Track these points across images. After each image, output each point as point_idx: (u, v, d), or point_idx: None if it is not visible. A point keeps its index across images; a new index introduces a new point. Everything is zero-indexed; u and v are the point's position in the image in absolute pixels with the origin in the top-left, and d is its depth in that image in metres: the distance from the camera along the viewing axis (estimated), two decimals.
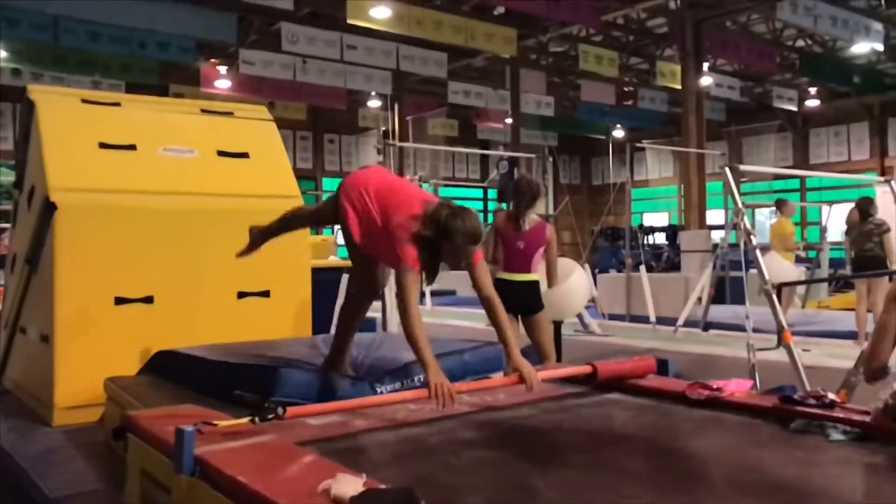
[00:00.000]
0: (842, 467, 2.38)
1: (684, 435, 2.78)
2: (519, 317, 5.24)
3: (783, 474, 2.26)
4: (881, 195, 8.75)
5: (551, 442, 2.74)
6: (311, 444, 2.48)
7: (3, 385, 5.14)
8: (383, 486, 1.80)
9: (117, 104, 5.36)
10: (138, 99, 5.90)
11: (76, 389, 4.22)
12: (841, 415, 2.69)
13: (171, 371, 3.89)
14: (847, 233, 8.21)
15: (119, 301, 4.48)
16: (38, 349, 4.57)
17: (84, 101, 5.27)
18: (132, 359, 4.15)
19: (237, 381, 3.38)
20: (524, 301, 5.16)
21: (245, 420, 2.49)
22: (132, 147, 4.93)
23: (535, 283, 5.22)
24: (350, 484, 1.80)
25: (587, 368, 3.44)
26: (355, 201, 3.30)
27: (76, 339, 4.33)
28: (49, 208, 4.37)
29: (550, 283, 5.39)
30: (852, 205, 8.22)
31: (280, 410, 2.53)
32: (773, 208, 9.38)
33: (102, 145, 4.83)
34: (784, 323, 5.56)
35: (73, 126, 4.93)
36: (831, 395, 2.82)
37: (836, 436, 2.58)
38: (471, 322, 9.39)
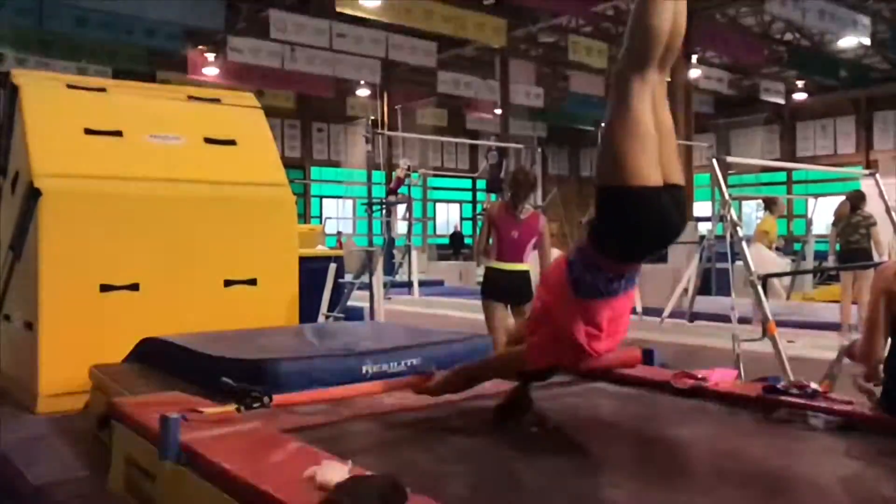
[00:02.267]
0: (823, 456, 2.40)
1: (669, 424, 2.80)
2: (509, 306, 5.25)
3: (766, 462, 2.29)
4: (866, 188, 8.81)
5: (537, 430, 2.75)
6: (297, 432, 2.48)
7: None
8: (368, 473, 1.80)
9: (103, 90, 5.32)
10: (124, 85, 5.86)
11: (61, 377, 4.19)
12: (823, 404, 2.71)
13: (157, 359, 3.87)
14: (834, 224, 8.27)
15: (104, 288, 4.46)
16: (23, 337, 4.54)
17: (69, 86, 5.22)
18: (118, 346, 4.13)
19: (223, 370, 3.37)
20: (516, 290, 5.18)
21: (231, 408, 2.49)
22: (118, 133, 4.89)
23: (527, 273, 5.24)
24: (335, 471, 1.80)
25: None
26: None
27: (61, 326, 4.30)
28: (33, 194, 4.33)
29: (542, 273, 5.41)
30: (838, 197, 8.29)
31: (266, 399, 2.53)
32: (761, 202, 9.42)
33: (88, 131, 4.79)
34: (769, 314, 5.60)
35: (58, 111, 4.89)
36: (814, 385, 2.85)
37: (818, 424, 2.61)
38: (458, 312, 9.40)
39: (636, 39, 2.28)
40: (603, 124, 2.48)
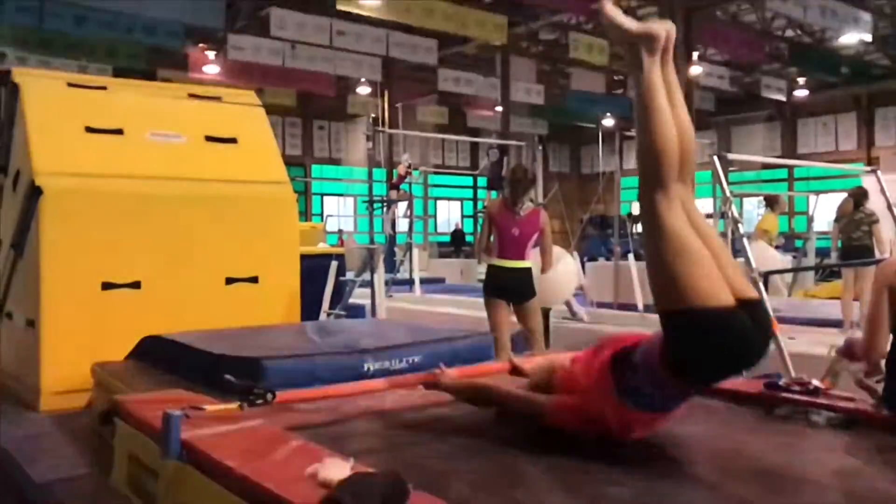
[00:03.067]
0: (825, 452, 2.40)
1: (670, 421, 2.79)
2: (510, 304, 5.26)
3: (767, 459, 2.29)
4: (867, 185, 8.80)
5: (538, 428, 2.75)
6: (300, 430, 2.48)
7: None
8: (370, 471, 1.80)
9: (104, 88, 5.32)
10: (125, 82, 5.87)
11: (63, 374, 4.20)
12: (825, 401, 2.71)
13: (159, 356, 3.88)
14: (836, 220, 8.27)
15: (106, 286, 4.46)
16: (25, 334, 4.55)
17: (70, 84, 5.22)
18: (120, 344, 4.13)
19: (225, 367, 3.37)
20: (518, 288, 5.19)
21: (233, 405, 2.49)
22: (119, 131, 4.90)
23: (529, 270, 5.24)
24: (338, 468, 1.81)
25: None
26: None
27: (63, 324, 4.31)
28: (35, 193, 4.34)
29: (544, 270, 5.42)
30: (839, 194, 8.29)
31: (269, 396, 2.53)
32: (762, 199, 9.43)
33: (89, 129, 4.80)
34: (770, 311, 5.60)
35: (59, 110, 4.89)
36: (816, 382, 2.85)
37: (819, 422, 2.61)
38: (459, 309, 9.40)
39: (647, 165, 2.19)
40: (644, 254, 2.33)
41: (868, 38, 15.65)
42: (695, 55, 16.39)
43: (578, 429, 2.40)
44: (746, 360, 2.27)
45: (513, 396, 2.67)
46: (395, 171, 14.01)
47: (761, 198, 9.95)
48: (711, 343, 2.12)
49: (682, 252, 2.12)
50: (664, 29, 2.21)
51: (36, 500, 3.10)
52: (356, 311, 7.30)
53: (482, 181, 17.49)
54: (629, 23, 2.20)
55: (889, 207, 7.36)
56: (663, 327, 2.19)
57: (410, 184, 14.60)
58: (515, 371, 3.09)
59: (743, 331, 2.12)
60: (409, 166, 13.66)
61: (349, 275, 7.66)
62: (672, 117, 2.20)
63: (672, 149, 2.17)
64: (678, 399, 2.33)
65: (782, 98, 21.55)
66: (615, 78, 20.93)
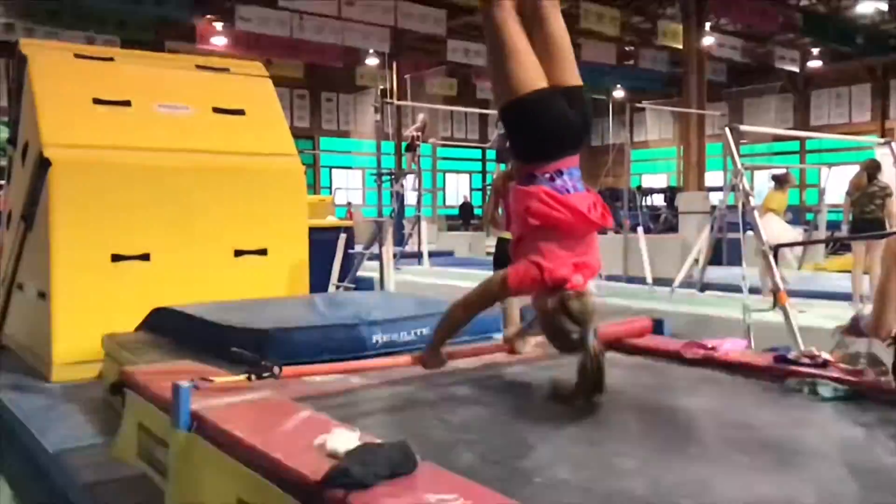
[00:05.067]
0: (833, 425, 2.40)
1: (678, 393, 2.80)
2: None
3: (775, 432, 2.29)
4: (881, 157, 8.72)
5: (546, 399, 2.76)
6: (308, 401, 2.49)
7: (2, 341, 5.16)
8: (378, 441, 1.81)
9: (111, 59, 5.29)
10: (132, 54, 5.83)
11: (74, 346, 4.24)
12: (834, 374, 2.70)
13: (169, 328, 3.90)
14: (849, 193, 8.19)
15: (116, 258, 4.48)
16: (36, 306, 4.58)
17: (77, 55, 5.20)
18: (130, 315, 4.16)
19: (234, 339, 3.39)
20: None
21: (242, 377, 2.51)
22: (127, 103, 4.88)
23: None
24: (345, 439, 1.82)
25: None
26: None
27: (73, 295, 4.34)
28: (43, 164, 4.34)
29: None
30: (852, 167, 8.20)
31: (276, 370, 2.54)
32: (771, 178, 9.26)
33: (96, 101, 4.78)
34: (780, 284, 5.58)
35: (67, 81, 4.88)
36: (825, 355, 2.84)
37: (827, 394, 2.60)
38: (468, 282, 9.39)
39: None
40: (487, 63, 2.93)
41: (884, 7, 15.40)
42: (707, 25, 16.16)
43: (533, 284, 2.60)
44: (569, 136, 2.68)
45: (475, 293, 2.75)
46: (405, 132, 13.95)
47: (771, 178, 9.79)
48: (533, 123, 2.63)
49: (510, 56, 2.64)
50: None
51: (49, 468, 3.15)
52: (364, 284, 7.32)
53: (491, 154, 17.40)
54: None
55: None
56: (504, 125, 2.74)
57: (419, 157, 14.51)
58: (514, 352, 3.11)
59: (558, 109, 2.63)
60: (423, 125, 13.50)
61: (357, 248, 7.66)
62: None
63: None
64: (558, 177, 2.64)
65: (795, 69, 21.28)
66: (626, 49, 20.69)
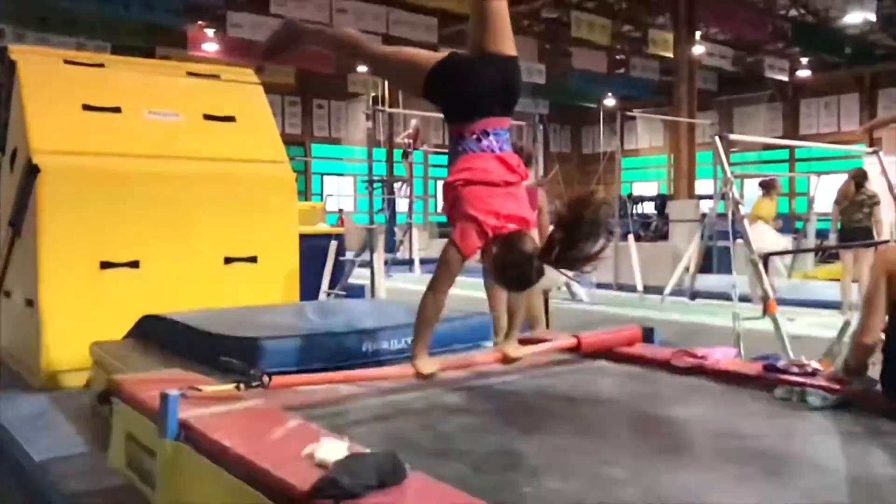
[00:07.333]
0: (822, 434, 2.40)
1: (668, 402, 2.80)
2: None
3: (765, 441, 2.29)
4: (868, 166, 8.77)
5: (537, 408, 2.76)
6: (297, 410, 2.48)
7: None
8: (367, 451, 1.80)
9: (101, 65, 5.28)
10: (123, 60, 5.83)
11: (62, 354, 4.21)
12: (823, 383, 2.71)
13: (158, 336, 3.88)
14: (837, 202, 8.24)
15: (104, 265, 4.46)
16: (24, 313, 4.55)
17: (67, 61, 5.18)
18: (118, 323, 4.13)
19: (223, 347, 3.37)
20: None
21: (231, 386, 2.49)
22: (117, 110, 4.87)
23: None
24: (334, 448, 1.80)
25: (571, 341, 3.44)
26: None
27: (62, 303, 4.31)
28: (32, 171, 4.32)
29: None
30: (840, 175, 8.24)
31: (265, 379, 2.52)
32: (759, 185, 9.30)
33: (86, 107, 4.77)
34: (770, 293, 5.60)
35: (56, 87, 4.86)
36: (814, 364, 2.85)
37: (816, 403, 2.61)
38: (458, 289, 9.39)
39: None
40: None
41: (872, 17, 15.49)
42: (697, 34, 16.24)
43: (476, 238, 2.71)
44: (486, 96, 2.82)
45: (436, 275, 2.86)
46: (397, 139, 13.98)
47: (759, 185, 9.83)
48: (449, 85, 2.83)
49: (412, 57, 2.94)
50: None
51: (36, 478, 3.12)
52: (355, 292, 7.30)
53: None
54: None
55: (890, 188, 7.34)
56: (430, 99, 2.91)
57: (411, 164, 14.51)
58: (507, 361, 3.10)
59: (470, 71, 2.83)
60: (416, 130, 13.54)
61: (348, 255, 7.65)
62: None
63: None
64: (484, 137, 2.79)
65: (785, 78, 21.37)
66: (617, 57, 20.76)
